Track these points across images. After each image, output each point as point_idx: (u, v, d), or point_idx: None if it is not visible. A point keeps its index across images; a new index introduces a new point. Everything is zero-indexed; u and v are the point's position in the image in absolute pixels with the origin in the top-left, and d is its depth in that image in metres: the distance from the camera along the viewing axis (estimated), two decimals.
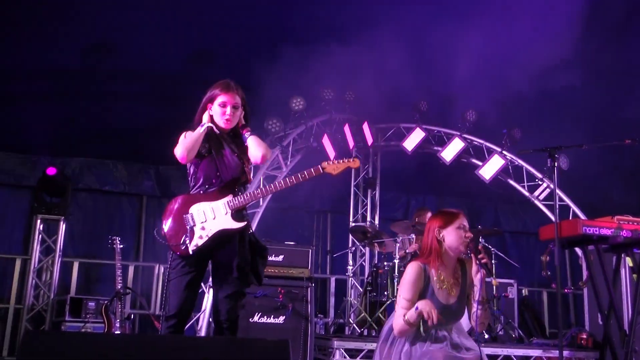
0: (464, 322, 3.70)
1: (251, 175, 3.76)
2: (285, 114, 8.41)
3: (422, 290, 3.43)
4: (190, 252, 3.47)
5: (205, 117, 3.61)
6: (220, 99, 3.57)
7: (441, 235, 3.50)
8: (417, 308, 3.28)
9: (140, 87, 8.51)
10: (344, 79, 8.50)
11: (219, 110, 3.58)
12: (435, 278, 3.46)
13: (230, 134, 3.67)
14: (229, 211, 3.52)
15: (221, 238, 3.51)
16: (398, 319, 3.38)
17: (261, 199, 7.56)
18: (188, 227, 3.51)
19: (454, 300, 3.46)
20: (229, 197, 3.54)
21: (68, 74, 7.88)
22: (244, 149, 3.63)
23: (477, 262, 3.42)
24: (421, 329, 3.38)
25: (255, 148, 3.57)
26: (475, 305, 3.44)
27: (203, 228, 3.50)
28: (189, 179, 3.68)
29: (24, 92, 8.02)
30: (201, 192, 3.59)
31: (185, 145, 3.50)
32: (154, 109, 8.47)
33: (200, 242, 3.48)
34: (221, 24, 7.73)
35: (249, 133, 3.63)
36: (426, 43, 7.56)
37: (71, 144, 8.74)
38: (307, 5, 7.52)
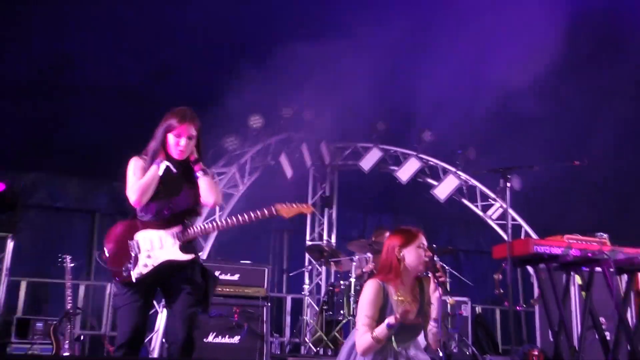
0: (419, 339, 3.72)
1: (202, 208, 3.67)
2: (243, 132, 8.38)
3: (382, 307, 3.43)
4: (134, 280, 3.38)
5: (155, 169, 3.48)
6: (174, 129, 3.48)
7: (401, 254, 3.51)
8: (388, 324, 3.28)
9: (96, 102, 8.37)
10: (302, 98, 8.55)
11: (173, 141, 3.50)
12: (394, 296, 3.47)
13: (182, 164, 3.58)
14: (177, 242, 3.45)
15: (167, 268, 3.44)
16: (363, 337, 3.36)
17: (216, 218, 7.49)
18: (132, 254, 3.42)
19: (411, 317, 3.45)
20: (179, 228, 3.47)
21: (22, 87, 7.70)
22: (196, 181, 3.57)
23: (435, 280, 3.45)
24: (394, 344, 3.37)
25: (207, 192, 3.52)
26: (432, 322, 3.48)
27: (149, 257, 3.42)
28: (139, 208, 3.55)
29: None
30: (150, 219, 3.50)
31: (140, 190, 3.43)
32: (110, 124, 8.32)
33: (145, 271, 3.40)
34: (179, 42, 7.69)
35: (201, 172, 3.55)
36: (384, 64, 7.68)
37: (23, 159, 8.51)
38: (266, 24, 7.57)
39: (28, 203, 8.58)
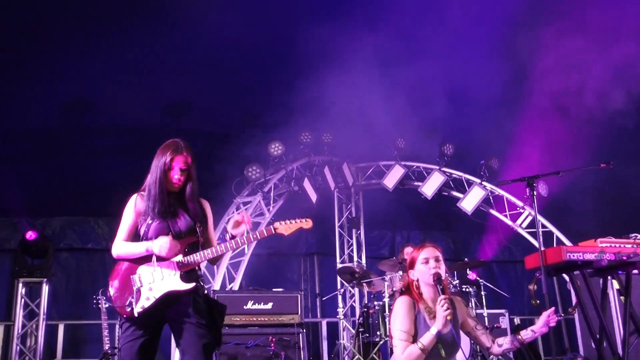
0: (465, 345, 3.71)
1: (204, 234, 3.64)
2: (264, 160, 8.44)
3: (415, 322, 3.42)
4: (136, 315, 3.37)
5: (150, 245, 3.47)
6: (168, 162, 3.53)
7: (414, 275, 3.54)
8: (438, 331, 3.29)
9: (118, 141, 8.53)
10: (321, 121, 8.60)
11: (169, 174, 3.54)
12: (424, 310, 3.46)
13: (179, 195, 3.61)
14: (178, 272, 3.44)
15: (169, 299, 3.42)
16: (408, 351, 3.33)
17: (246, 247, 7.51)
18: (135, 289, 3.42)
19: (447, 330, 3.42)
20: (179, 257, 3.47)
21: (45, 133, 7.88)
22: (194, 210, 3.59)
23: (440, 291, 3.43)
24: (442, 352, 3.35)
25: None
26: (480, 328, 3.56)
27: (150, 289, 3.42)
28: (140, 239, 3.58)
29: (1, 153, 7.97)
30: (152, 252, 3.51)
31: (122, 254, 3.51)
32: (133, 162, 8.43)
33: (147, 304, 3.39)
34: (196, 76, 7.81)
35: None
36: (400, 81, 7.70)
37: (51, 203, 8.67)
38: (280, 49, 7.64)
39: (59, 247, 8.73)
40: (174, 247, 3.42)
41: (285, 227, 3.60)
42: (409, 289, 3.54)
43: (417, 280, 3.53)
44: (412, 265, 3.55)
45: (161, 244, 3.40)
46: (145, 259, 3.48)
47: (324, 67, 7.62)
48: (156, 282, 3.43)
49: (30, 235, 8.00)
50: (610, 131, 7.99)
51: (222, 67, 7.88)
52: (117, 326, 8.20)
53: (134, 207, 3.60)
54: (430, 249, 3.54)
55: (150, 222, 3.52)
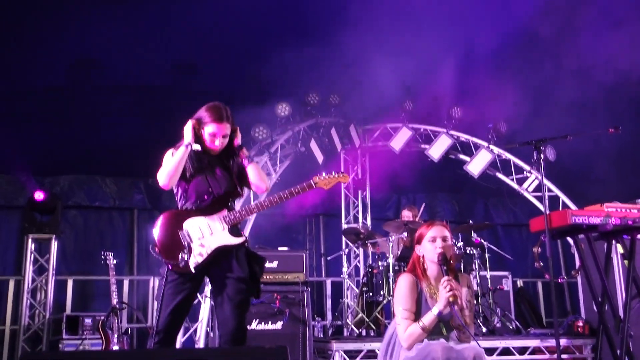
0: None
1: (242, 189, 3.70)
2: (271, 121, 8.42)
3: (417, 300, 3.46)
4: (192, 270, 3.41)
5: (188, 136, 3.52)
6: (210, 128, 3.52)
7: (420, 251, 3.56)
8: (439, 312, 3.31)
9: (126, 101, 8.50)
10: (328, 82, 8.53)
11: (209, 139, 3.55)
12: (426, 289, 3.50)
13: (220, 153, 3.64)
14: (226, 227, 3.48)
15: (220, 254, 3.47)
16: (409, 330, 3.36)
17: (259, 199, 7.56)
18: (185, 244, 3.45)
19: (448, 310, 3.41)
20: (224, 213, 3.50)
21: (53, 92, 7.86)
22: (234, 164, 3.61)
23: (444, 270, 3.42)
24: (443, 330, 3.40)
25: (258, 179, 3.60)
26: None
27: (202, 245, 3.45)
28: (178, 197, 3.62)
29: (9, 112, 7.98)
30: (193, 207, 3.54)
31: (167, 172, 3.49)
32: (140, 122, 8.46)
33: (201, 260, 3.43)
34: (204, 37, 7.74)
35: (247, 160, 3.64)
36: (408, 42, 7.61)
37: (59, 162, 8.72)
38: (288, 11, 7.55)
39: (68, 204, 8.82)
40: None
41: (325, 181, 3.63)
42: (414, 265, 3.57)
43: (423, 257, 3.55)
44: (419, 241, 3.56)
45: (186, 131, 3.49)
46: (189, 213, 3.50)
47: (332, 28, 7.53)
48: (206, 238, 3.46)
49: (39, 195, 8.08)
50: (622, 95, 7.90)
51: (229, 28, 7.80)
52: (124, 282, 8.38)
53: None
54: (439, 227, 3.54)
55: (189, 178, 3.54)
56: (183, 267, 3.42)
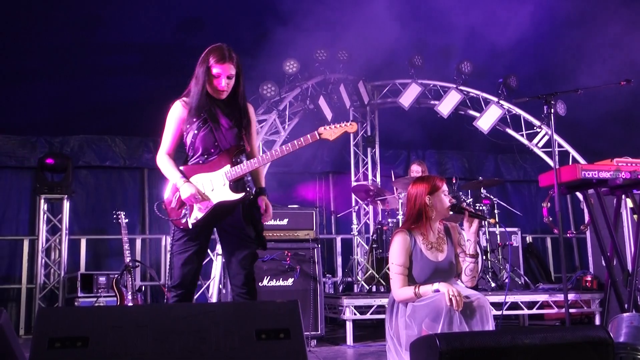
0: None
1: (251, 143, 3.66)
2: (279, 78, 8.35)
3: (411, 254, 3.61)
4: (190, 227, 3.44)
5: (185, 193, 3.44)
6: (214, 69, 3.43)
7: (430, 201, 3.65)
8: (437, 290, 3.40)
9: (132, 58, 8.44)
10: (336, 38, 8.41)
11: (214, 82, 3.46)
12: (421, 241, 3.64)
13: (225, 102, 3.56)
14: (227, 182, 3.45)
15: (221, 209, 3.47)
16: (403, 290, 3.53)
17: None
18: None
19: (442, 258, 3.64)
20: (227, 168, 3.47)
21: (57, 49, 7.80)
22: (240, 117, 3.56)
23: (470, 215, 3.67)
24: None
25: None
26: (468, 258, 3.66)
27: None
28: (187, 149, 3.61)
29: (16, 71, 7.96)
30: (200, 162, 3.53)
31: (162, 170, 3.60)
32: (147, 80, 8.41)
33: (200, 216, 3.44)
34: None
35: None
36: None
37: (68, 121, 8.73)
38: None
39: (78, 165, 8.87)
40: (197, 200, 3.43)
41: (330, 132, 3.54)
42: (419, 213, 3.67)
43: (432, 206, 3.67)
44: (433, 191, 3.67)
45: (189, 195, 3.41)
46: (195, 169, 3.52)
47: None
48: (207, 194, 3.46)
49: (49, 159, 8.16)
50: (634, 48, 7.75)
51: None
52: (136, 241, 8.49)
53: (177, 115, 3.57)
54: (446, 186, 3.77)
55: (196, 132, 3.51)
56: (184, 224, 3.46)
